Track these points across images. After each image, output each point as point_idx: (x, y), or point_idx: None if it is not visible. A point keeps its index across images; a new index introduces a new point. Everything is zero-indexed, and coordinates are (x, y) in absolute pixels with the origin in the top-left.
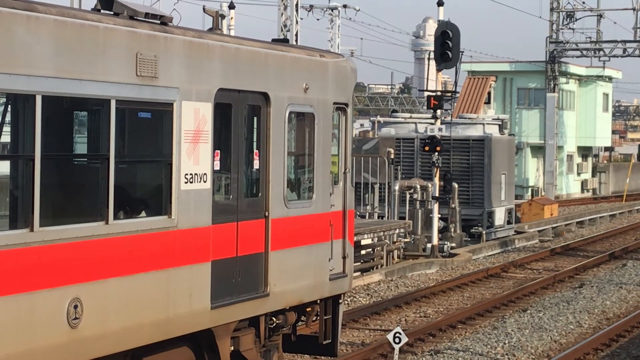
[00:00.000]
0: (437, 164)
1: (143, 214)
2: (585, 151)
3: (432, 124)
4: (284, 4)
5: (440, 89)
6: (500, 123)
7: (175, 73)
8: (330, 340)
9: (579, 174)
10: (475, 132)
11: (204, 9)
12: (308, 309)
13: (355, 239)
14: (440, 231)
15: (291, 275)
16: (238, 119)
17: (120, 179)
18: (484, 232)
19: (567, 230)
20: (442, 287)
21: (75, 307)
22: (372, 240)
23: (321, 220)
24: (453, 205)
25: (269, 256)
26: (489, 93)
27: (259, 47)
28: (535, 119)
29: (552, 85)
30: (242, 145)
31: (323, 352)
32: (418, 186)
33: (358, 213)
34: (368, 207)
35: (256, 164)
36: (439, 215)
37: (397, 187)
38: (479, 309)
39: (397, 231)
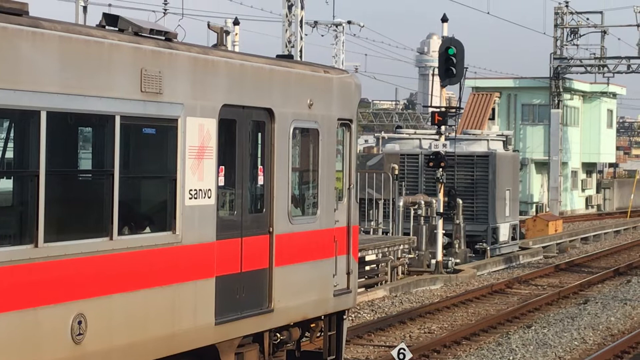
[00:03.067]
0: (441, 180)
1: (147, 229)
2: (589, 167)
3: (436, 139)
4: (288, 20)
5: (444, 104)
6: (504, 139)
7: (180, 89)
8: (334, 356)
9: (583, 190)
10: (479, 148)
11: (208, 25)
12: (312, 325)
13: (359, 254)
14: (444, 247)
15: (295, 291)
16: (242, 134)
17: (125, 194)
18: (488, 248)
19: (571, 246)
20: (446, 303)
21: (80, 322)
22: (377, 256)
23: (325, 236)
24: (457, 221)
25: (273, 272)
26: (493, 109)
27: (263, 63)
28: (539, 135)
29: (557, 101)
30: (247, 161)
31: None
32: (422, 202)
33: (362, 229)
34: (372, 223)
35: (260, 180)
36: (444, 231)
37: (401, 203)
38: (484, 325)
39: (401, 247)
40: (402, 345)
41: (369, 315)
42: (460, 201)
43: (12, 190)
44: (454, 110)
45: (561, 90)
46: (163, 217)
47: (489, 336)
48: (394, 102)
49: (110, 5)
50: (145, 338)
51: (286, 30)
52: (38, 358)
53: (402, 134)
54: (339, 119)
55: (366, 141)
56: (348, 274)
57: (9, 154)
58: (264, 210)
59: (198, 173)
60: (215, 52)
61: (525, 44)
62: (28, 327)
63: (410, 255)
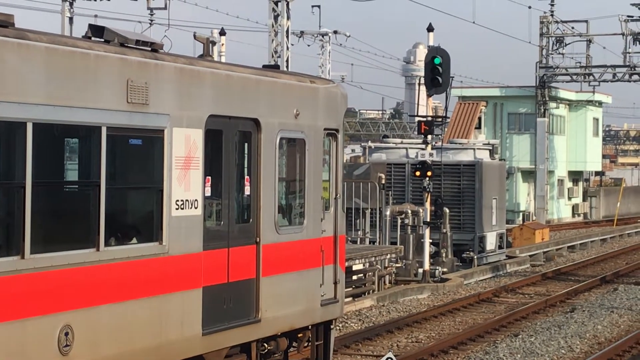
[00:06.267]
0: (428, 189)
1: (134, 240)
2: (576, 176)
3: (423, 149)
4: (274, 30)
5: (430, 114)
6: (490, 148)
7: (166, 100)
8: None
9: (569, 198)
10: (466, 157)
11: (194, 36)
12: (300, 335)
13: (346, 264)
14: (431, 256)
15: (282, 301)
16: (229, 145)
17: (111, 205)
18: (475, 257)
19: (558, 254)
20: (433, 312)
21: (67, 334)
22: (364, 265)
23: (312, 245)
24: (444, 230)
25: (260, 282)
26: (480, 118)
27: (249, 73)
28: (525, 143)
29: (543, 110)
30: (233, 172)
31: None
32: (409, 211)
33: (349, 238)
34: (359, 233)
35: (247, 190)
36: (431, 240)
37: (388, 212)
38: (471, 334)
39: (388, 256)
40: (390, 354)
41: (356, 324)
42: (447, 210)
43: None
44: (440, 119)
45: (547, 99)
46: (150, 228)
47: (476, 345)
48: (380, 112)
49: (96, 16)
50: (132, 349)
51: (272, 40)
52: None
53: (389, 143)
54: (325, 129)
55: (353, 150)
56: (335, 283)
57: None
58: (251, 220)
59: (184, 183)
60: (202, 62)
61: (511, 53)
62: (15, 339)
63: (397, 265)
